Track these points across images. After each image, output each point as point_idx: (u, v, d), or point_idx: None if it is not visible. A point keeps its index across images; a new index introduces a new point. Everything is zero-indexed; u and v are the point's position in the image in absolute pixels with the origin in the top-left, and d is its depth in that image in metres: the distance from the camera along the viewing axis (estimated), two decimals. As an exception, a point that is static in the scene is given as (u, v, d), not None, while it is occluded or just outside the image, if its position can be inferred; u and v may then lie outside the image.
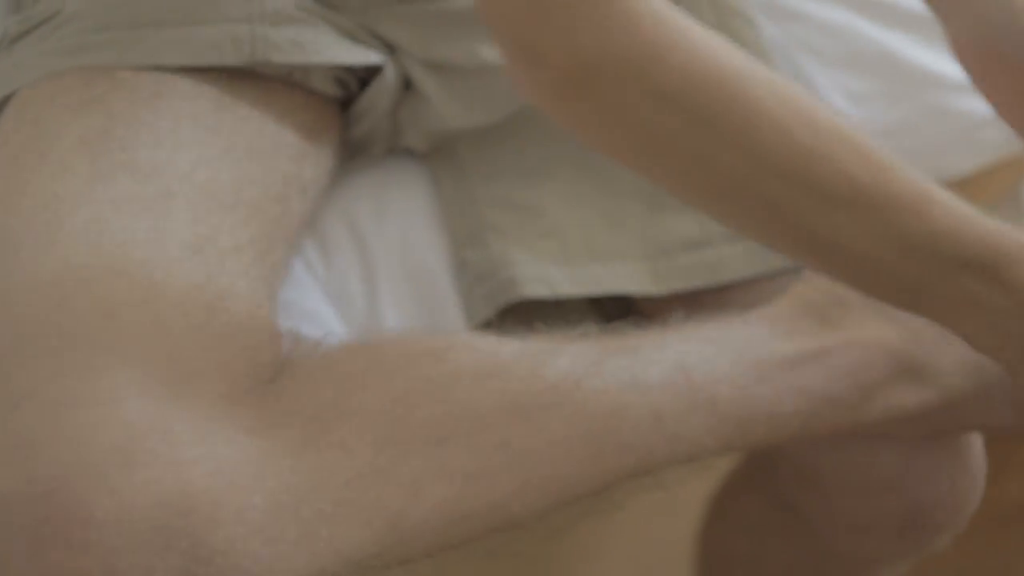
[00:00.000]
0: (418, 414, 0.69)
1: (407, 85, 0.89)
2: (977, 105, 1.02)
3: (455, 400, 0.70)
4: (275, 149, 0.79)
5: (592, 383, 0.73)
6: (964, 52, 0.82)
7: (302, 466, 0.65)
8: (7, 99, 0.79)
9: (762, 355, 0.79)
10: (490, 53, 0.87)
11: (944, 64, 1.02)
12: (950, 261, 0.70)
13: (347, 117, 0.88)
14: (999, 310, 0.71)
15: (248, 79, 0.80)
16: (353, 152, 0.89)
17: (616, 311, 0.91)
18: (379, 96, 0.86)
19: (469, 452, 0.69)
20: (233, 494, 0.62)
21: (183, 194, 0.72)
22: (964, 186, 1.07)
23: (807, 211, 0.68)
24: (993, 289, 0.70)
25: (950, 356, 0.82)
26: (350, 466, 0.66)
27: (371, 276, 0.85)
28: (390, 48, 0.87)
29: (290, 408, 0.67)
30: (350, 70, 0.86)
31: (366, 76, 0.87)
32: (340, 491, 0.65)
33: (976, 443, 0.89)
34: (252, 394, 0.67)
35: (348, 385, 0.69)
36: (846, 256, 0.70)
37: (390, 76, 0.86)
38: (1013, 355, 0.75)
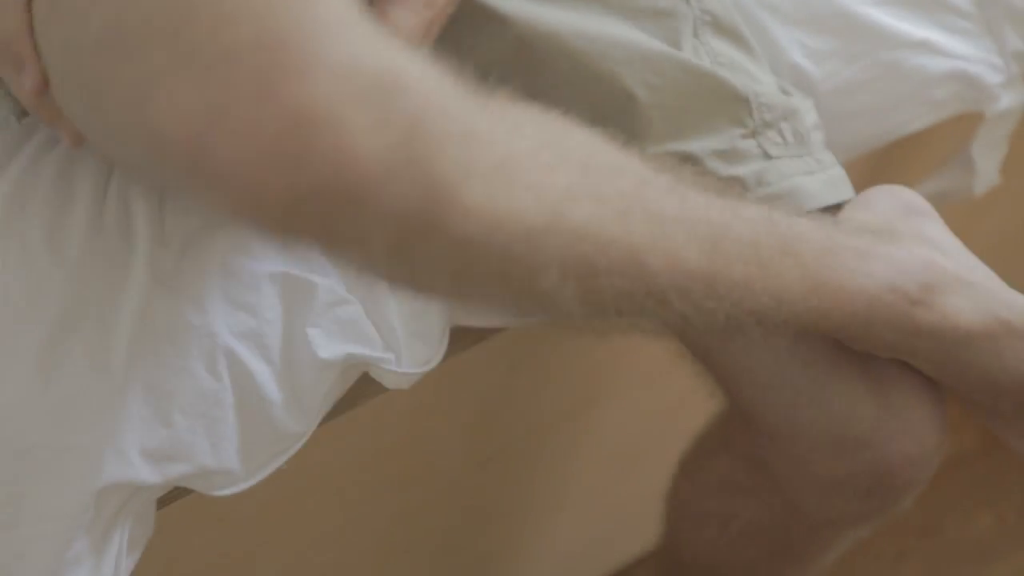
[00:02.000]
0: (600, 159, 0.71)
1: None
2: (930, 62, 1.03)
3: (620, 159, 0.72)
4: None
5: (696, 197, 0.75)
6: None
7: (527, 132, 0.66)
8: None
9: (832, 239, 0.81)
10: None
11: (899, 23, 1.02)
12: None
13: None
14: None
15: None
16: None
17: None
18: None
19: (655, 194, 0.71)
20: (448, 99, 0.62)
21: None
22: (916, 142, 1.08)
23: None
24: None
25: (987, 293, 0.84)
26: (564, 175, 0.67)
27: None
28: None
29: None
30: None
31: None
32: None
33: (941, 404, 0.90)
34: None
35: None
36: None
37: None
38: None
